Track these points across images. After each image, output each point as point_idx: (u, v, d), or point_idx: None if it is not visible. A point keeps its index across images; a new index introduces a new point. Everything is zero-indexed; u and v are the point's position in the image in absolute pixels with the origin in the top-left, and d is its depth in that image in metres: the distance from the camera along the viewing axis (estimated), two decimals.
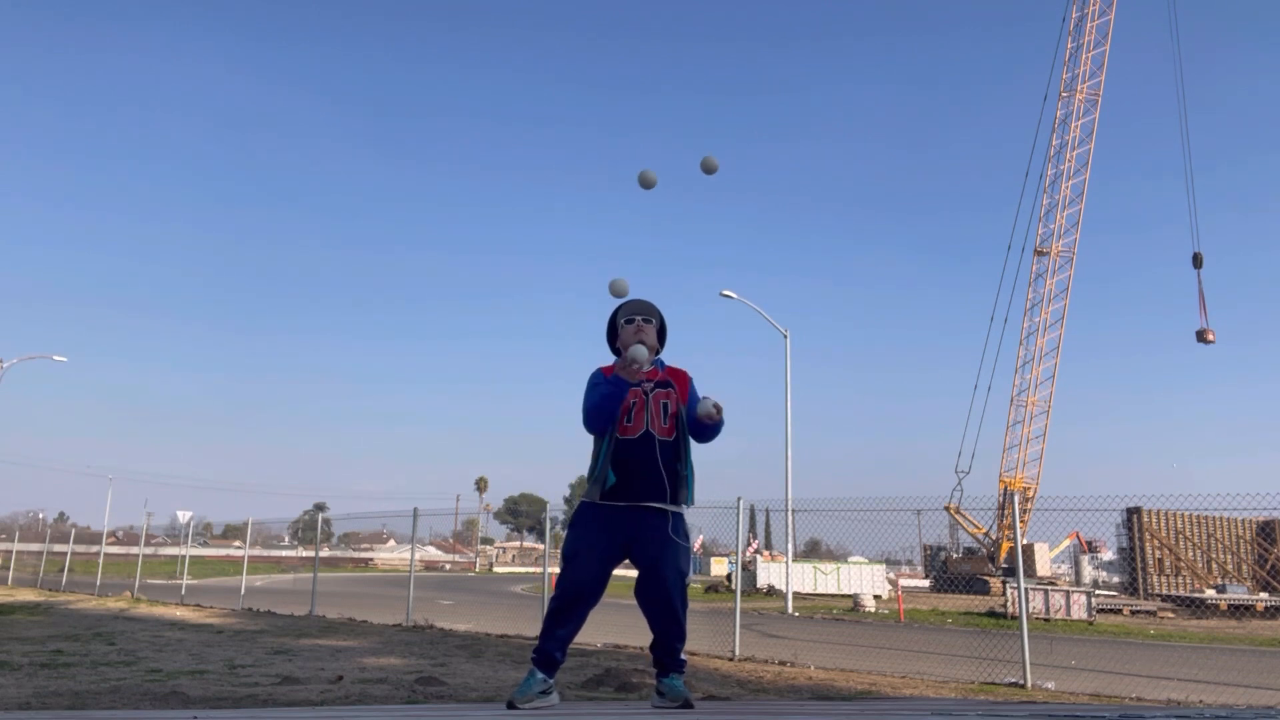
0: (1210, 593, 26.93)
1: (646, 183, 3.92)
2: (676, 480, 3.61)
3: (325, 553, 51.93)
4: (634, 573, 3.63)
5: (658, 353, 3.89)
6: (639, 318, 3.83)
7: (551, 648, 3.56)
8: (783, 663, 8.57)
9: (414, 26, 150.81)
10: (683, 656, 3.65)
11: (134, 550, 26.67)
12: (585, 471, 3.74)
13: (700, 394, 3.80)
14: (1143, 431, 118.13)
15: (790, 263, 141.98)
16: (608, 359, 3.93)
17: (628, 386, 3.57)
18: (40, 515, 77.91)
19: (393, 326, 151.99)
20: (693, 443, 3.77)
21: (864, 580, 28.92)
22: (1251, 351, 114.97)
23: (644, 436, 3.61)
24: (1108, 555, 37.37)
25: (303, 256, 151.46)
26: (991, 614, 21.44)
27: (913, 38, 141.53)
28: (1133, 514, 30.56)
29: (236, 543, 53.31)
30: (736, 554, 10.85)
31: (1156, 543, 31.15)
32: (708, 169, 3.93)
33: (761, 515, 23.69)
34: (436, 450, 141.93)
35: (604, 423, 3.63)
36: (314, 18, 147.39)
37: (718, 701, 4.95)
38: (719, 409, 3.57)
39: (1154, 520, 30.93)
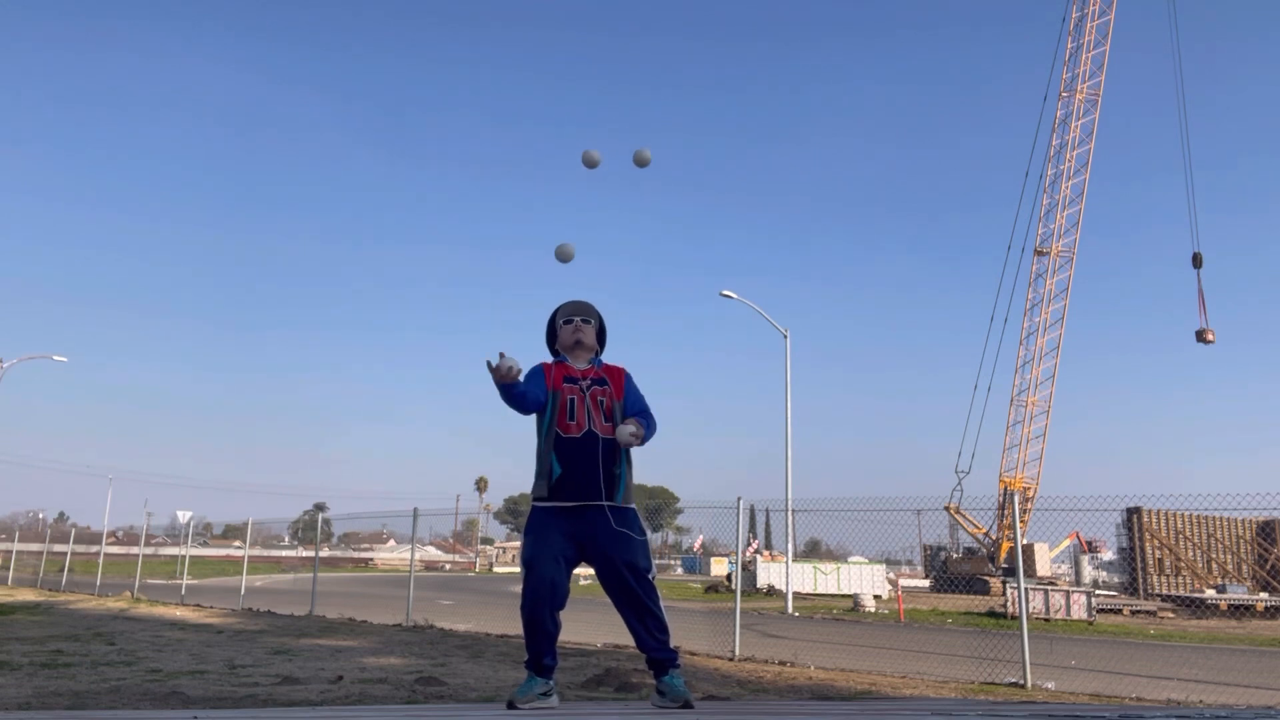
0: (1210, 593, 26.91)
1: (590, 162, 4.02)
2: (613, 480, 3.61)
3: (325, 553, 51.97)
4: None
5: (598, 353, 3.93)
6: (577, 318, 3.87)
7: (539, 653, 3.57)
8: (783, 663, 8.57)
9: (414, 26, 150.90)
10: (673, 648, 3.64)
11: (134, 550, 26.69)
12: None
13: (640, 390, 3.86)
14: (1143, 431, 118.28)
15: (790, 263, 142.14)
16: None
17: (507, 389, 3.52)
18: (40, 515, 77.93)
19: (392, 326, 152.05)
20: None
21: (864, 580, 28.90)
22: (1252, 351, 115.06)
23: (587, 435, 3.63)
24: (1108, 555, 37.35)
25: (303, 256, 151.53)
26: (991, 614, 21.43)
27: (912, 38, 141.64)
28: (1133, 514, 30.54)
29: (236, 543, 53.31)
30: (736, 554, 10.83)
31: (1156, 543, 31.13)
32: (640, 162, 4.01)
33: (761, 515, 23.75)
34: (436, 450, 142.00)
35: (516, 406, 3.59)
36: (316, 17, 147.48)
37: (718, 701, 4.94)
38: (638, 435, 3.59)
39: (1154, 520, 30.91)
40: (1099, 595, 24.28)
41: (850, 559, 33.70)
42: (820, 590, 29.19)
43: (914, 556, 38.76)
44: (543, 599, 3.52)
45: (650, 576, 3.60)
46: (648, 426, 3.71)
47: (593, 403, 3.69)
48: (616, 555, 3.54)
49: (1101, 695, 7.16)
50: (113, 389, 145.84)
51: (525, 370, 3.67)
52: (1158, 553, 31.15)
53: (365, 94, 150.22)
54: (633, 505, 3.70)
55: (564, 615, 3.67)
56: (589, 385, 3.73)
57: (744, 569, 19.69)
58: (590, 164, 4.05)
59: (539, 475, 3.65)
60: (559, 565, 3.54)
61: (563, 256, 3.78)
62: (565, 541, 3.56)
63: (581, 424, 3.64)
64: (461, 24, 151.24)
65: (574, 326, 3.84)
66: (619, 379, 3.82)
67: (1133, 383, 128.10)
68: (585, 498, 3.57)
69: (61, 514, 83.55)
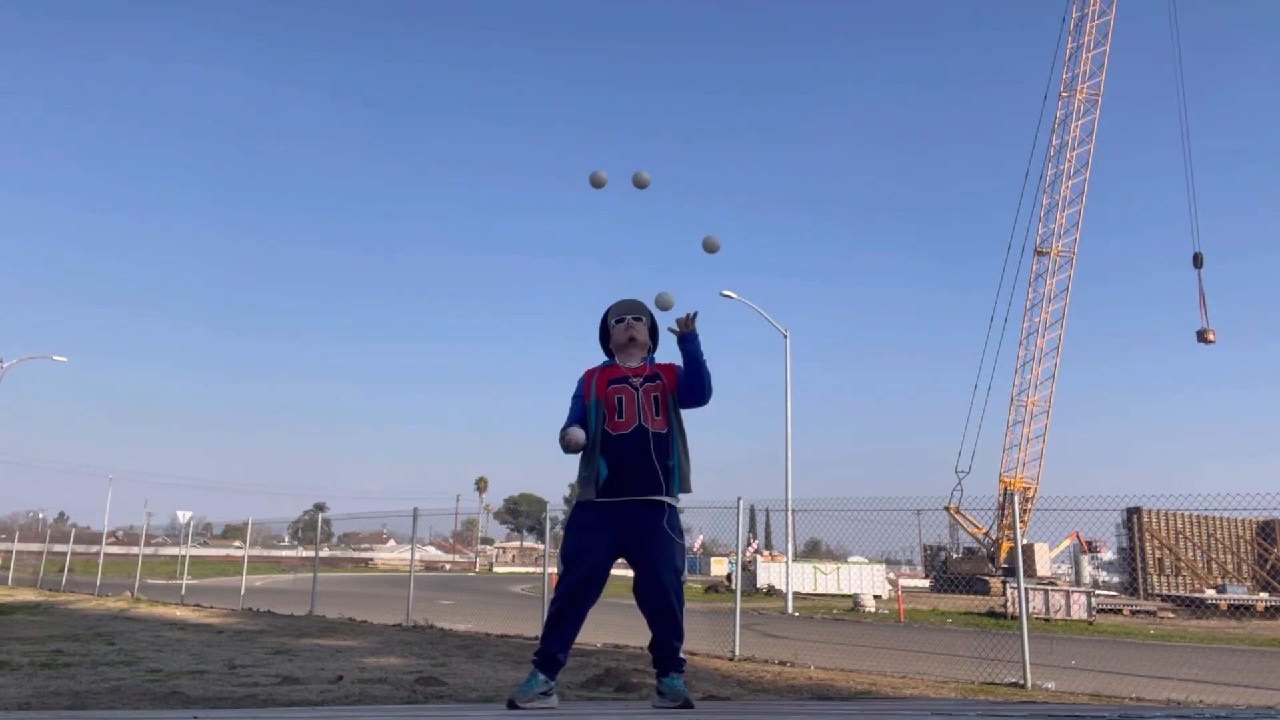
0: (1210, 593, 26.92)
1: (640, 183, 4.04)
2: (668, 473, 3.61)
3: (325, 553, 51.93)
4: (630, 572, 3.62)
5: (651, 350, 3.94)
6: (629, 316, 3.88)
7: (554, 649, 3.55)
8: (783, 663, 8.57)
9: (413, 26, 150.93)
10: (682, 655, 3.64)
11: (134, 550, 26.68)
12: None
13: None
14: (1143, 431, 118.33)
15: (790, 263, 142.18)
16: (600, 357, 3.98)
17: (570, 452, 3.65)
18: (40, 515, 77.90)
19: (392, 326, 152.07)
20: (687, 435, 3.78)
21: (864, 580, 28.91)
22: (1252, 352, 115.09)
23: (637, 430, 3.62)
24: (1108, 555, 37.39)
25: (303, 256, 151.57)
26: (991, 614, 21.43)
27: (912, 38, 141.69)
28: (1133, 514, 30.56)
29: (236, 543, 53.29)
30: (736, 554, 10.83)
31: (1156, 543, 31.14)
32: (639, 183, 4.07)
33: (761, 515, 23.69)
34: (436, 450, 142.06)
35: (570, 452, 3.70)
36: (314, 17, 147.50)
37: (718, 701, 4.94)
38: (691, 317, 3.64)
39: (1154, 520, 30.92)
40: (1099, 595, 24.28)
41: (850, 559, 33.69)
42: (820, 590, 29.20)
43: (914, 556, 38.80)
44: (576, 597, 3.52)
45: (682, 579, 3.61)
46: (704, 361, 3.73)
47: (645, 398, 3.67)
48: (658, 557, 3.53)
49: (1101, 695, 7.16)
50: (113, 389, 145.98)
51: (572, 392, 3.80)
52: (1158, 553, 31.16)
53: (366, 95, 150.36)
54: (677, 501, 3.68)
55: None
56: (641, 383, 3.71)
57: (744, 569, 19.70)
58: (641, 185, 4.08)
59: (585, 480, 3.62)
60: (599, 564, 3.54)
61: (663, 305, 3.79)
62: (609, 538, 3.55)
63: (631, 420, 3.63)
64: (460, 25, 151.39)
65: (626, 325, 3.85)
66: (671, 373, 3.81)
67: (1133, 383, 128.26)
68: (635, 493, 3.56)
69: (61, 514, 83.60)
